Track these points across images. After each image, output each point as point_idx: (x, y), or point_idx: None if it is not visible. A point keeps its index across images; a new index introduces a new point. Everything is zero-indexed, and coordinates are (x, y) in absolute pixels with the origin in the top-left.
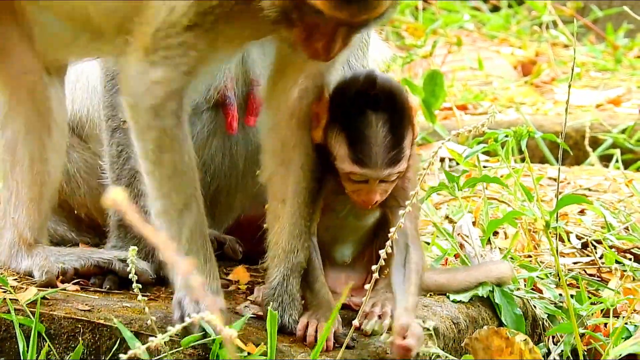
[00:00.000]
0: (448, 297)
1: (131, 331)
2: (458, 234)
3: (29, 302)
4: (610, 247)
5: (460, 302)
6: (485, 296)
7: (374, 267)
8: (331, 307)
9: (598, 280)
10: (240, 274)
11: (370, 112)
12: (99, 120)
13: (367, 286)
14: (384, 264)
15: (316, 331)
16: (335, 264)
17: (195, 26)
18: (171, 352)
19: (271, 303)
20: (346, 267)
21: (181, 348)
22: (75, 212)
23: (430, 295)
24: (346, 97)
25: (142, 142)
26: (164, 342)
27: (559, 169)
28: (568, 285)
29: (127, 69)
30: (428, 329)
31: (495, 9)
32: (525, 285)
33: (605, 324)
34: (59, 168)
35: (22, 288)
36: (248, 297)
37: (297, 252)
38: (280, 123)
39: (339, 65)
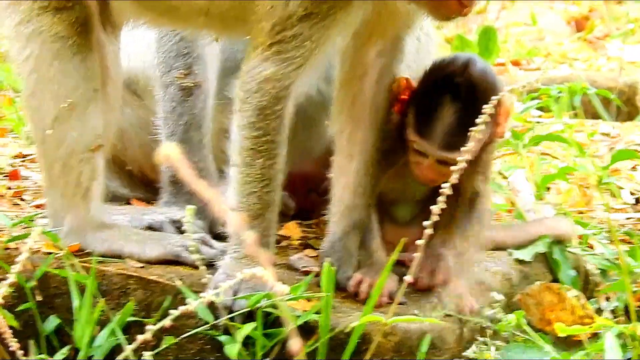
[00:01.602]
0: (508, 253)
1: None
2: (511, 190)
3: (81, 258)
4: None
5: (516, 259)
6: (544, 252)
7: (426, 223)
8: (385, 266)
9: None
10: (292, 229)
11: (448, 97)
12: (153, 76)
13: (419, 241)
14: (438, 219)
15: (369, 288)
16: (396, 221)
17: (311, 15)
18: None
19: (328, 257)
20: (406, 225)
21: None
22: (128, 167)
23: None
24: (434, 76)
25: (241, 138)
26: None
27: (612, 124)
28: (620, 241)
29: (245, 62)
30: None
31: None
32: (578, 241)
33: None
34: (113, 125)
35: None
36: (301, 252)
37: (359, 210)
38: (354, 79)
39: (414, 32)
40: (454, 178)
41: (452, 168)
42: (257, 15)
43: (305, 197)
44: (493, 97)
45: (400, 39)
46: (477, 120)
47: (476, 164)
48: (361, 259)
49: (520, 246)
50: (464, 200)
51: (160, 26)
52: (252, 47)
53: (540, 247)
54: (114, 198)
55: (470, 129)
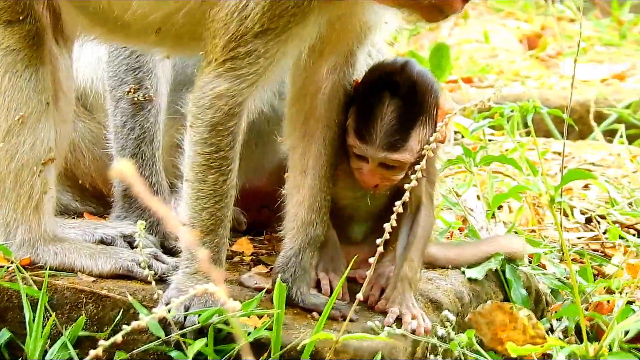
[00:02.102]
0: (460, 271)
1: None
2: (463, 207)
3: (33, 271)
4: (614, 222)
5: (469, 277)
6: (496, 270)
7: (378, 241)
8: (343, 264)
9: (602, 256)
10: (244, 245)
11: (385, 94)
12: (103, 90)
13: (371, 259)
14: (388, 237)
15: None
16: (348, 241)
17: (267, 31)
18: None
19: (282, 273)
20: (358, 244)
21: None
22: (80, 181)
23: (434, 268)
24: (373, 77)
25: (193, 153)
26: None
27: (564, 143)
28: (572, 260)
29: (198, 78)
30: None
31: None
32: (530, 260)
33: (608, 301)
34: (65, 138)
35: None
36: (252, 269)
37: (316, 225)
38: (307, 95)
39: (366, 48)
40: (401, 182)
41: (394, 165)
42: (210, 31)
43: (258, 212)
44: (432, 96)
45: (352, 54)
46: (418, 118)
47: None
48: (321, 255)
49: (472, 265)
50: (409, 212)
51: (111, 42)
52: (206, 63)
53: (492, 264)
54: (65, 211)
55: (411, 128)
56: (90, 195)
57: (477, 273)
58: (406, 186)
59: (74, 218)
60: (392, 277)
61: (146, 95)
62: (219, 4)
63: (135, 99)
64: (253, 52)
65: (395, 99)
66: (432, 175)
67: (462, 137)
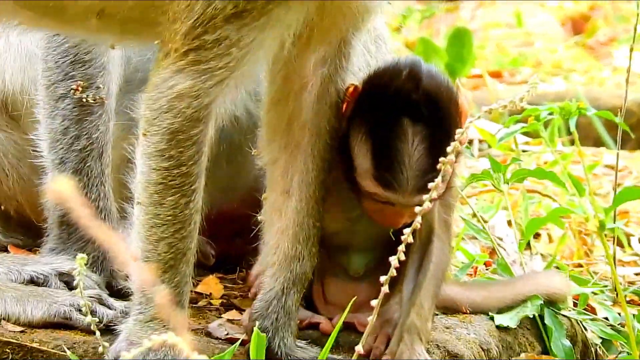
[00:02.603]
0: (488, 317)
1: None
2: (491, 237)
3: None
4: None
5: (498, 325)
6: (533, 316)
7: (382, 278)
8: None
9: None
10: (212, 285)
11: (407, 122)
12: (37, 89)
13: (373, 302)
14: (395, 274)
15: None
16: (345, 276)
17: (242, 13)
18: None
19: (260, 320)
20: (358, 280)
21: None
22: (2, 207)
23: (454, 313)
24: (380, 95)
25: (147, 169)
26: None
27: (618, 154)
28: (628, 302)
29: (153, 74)
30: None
31: None
32: (575, 302)
33: None
34: None
35: None
36: (222, 315)
37: (302, 260)
38: (289, 95)
39: (364, 35)
40: (419, 219)
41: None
42: (169, 14)
43: (229, 243)
44: (456, 106)
45: (346, 43)
46: (448, 142)
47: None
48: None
49: (503, 309)
50: (418, 243)
51: (40, 29)
52: (163, 55)
53: (529, 310)
54: None
55: (441, 154)
56: (16, 225)
57: (510, 320)
58: (417, 209)
59: None
60: (398, 327)
61: (96, 97)
62: None
63: (84, 100)
64: (223, 40)
65: (420, 127)
66: (449, 197)
67: (489, 146)
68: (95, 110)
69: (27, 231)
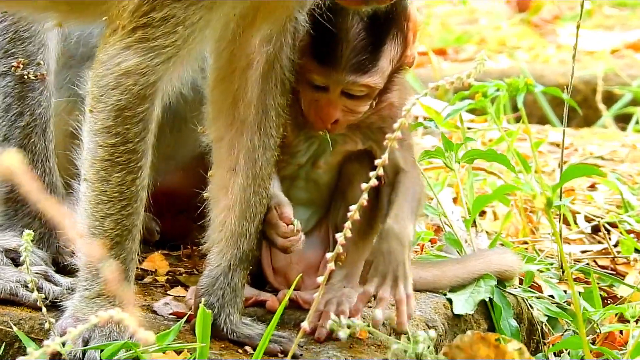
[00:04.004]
0: (435, 294)
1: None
2: (439, 212)
3: None
4: (628, 232)
5: (456, 314)
6: (489, 298)
7: (328, 255)
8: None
9: (612, 274)
10: (157, 261)
11: (351, 10)
12: None
13: (319, 279)
14: (341, 250)
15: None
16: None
17: None
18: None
19: (206, 297)
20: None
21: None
22: None
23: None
24: None
25: (94, 146)
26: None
27: (564, 131)
28: (575, 280)
29: (99, 50)
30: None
31: None
32: (520, 280)
33: (621, 331)
34: None
35: None
36: (168, 292)
37: (249, 237)
38: (234, 72)
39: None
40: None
41: (360, 94)
42: None
43: (175, 219)
44: (400, 4)
45: (291, 20)
46: (389, 31)
47: (388, 125)
48: None
49: (455, 288)
50: (385, 185)
51: None
52: (110, 31)
53: (482, 292)
54: None
55: (381, 43)
56: None
57: (466, 304)
58: (377, 162)
59: None
60: (372, 251)
61: (37, 74)
62: None
63: (25, 76)
64: (170, 18)
65: (362, 14)
66: (407, 138)
67: (435, 125)
68: (37, 86)
69: None
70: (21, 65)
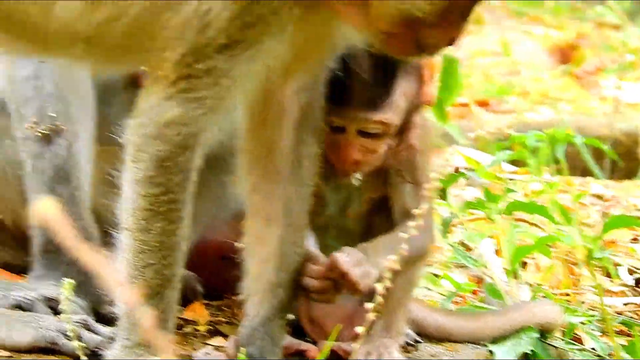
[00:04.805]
0: (475, 345)
1: None
2: (479, 264)
3: None
4: None
5: (486, 351)
6: (531, 351)
7: (368, 306)
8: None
9: None
10: (198, 310)
11: (364, 53)
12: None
13: (359, 329)
14: (381, 302)
15: None
16: None
17: (234, 44)
18: None
19: (246, 347)
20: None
21: None
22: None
23: (443, 342)
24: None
25: (135, 195)
26: None
27: (606, 183)
28: (617, 332)
29: (142, 99)
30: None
31: None
32: (562, 332)
33: None
34: None
35: None
36: (208, 342)
37: (286, 286)
38: (267, 122)
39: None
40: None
41: (375, 131)
42: (160, 42)
43: (216, 269)
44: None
45: (323, 69)
46: (400, 65)
47: (406, 169)
48: None
49: (496, 339)
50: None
51: (25, 55)
52: (152, 81)
53: (523, 344)
54: None
55: (393, 77)
56: (10, 237)
57: (508, 357)
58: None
59: None
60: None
61: (52, 126)
62: (174, 7)
63: (39, 133)
64: (213, 70)
65: (373, 55)
66: (418, 175)
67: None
68: (54, 139)
69: (20, 246)
70: (32, 125)
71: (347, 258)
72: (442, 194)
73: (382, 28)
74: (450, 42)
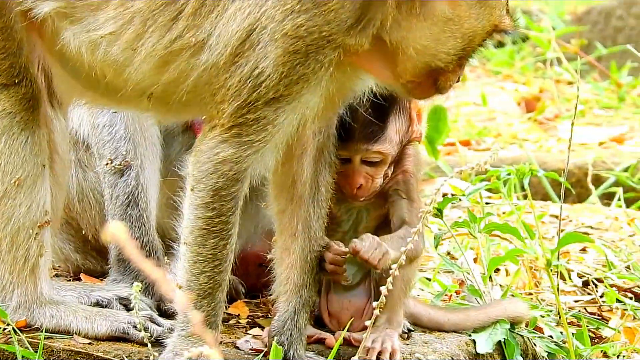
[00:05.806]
0: (459, 334)
1: None
2: (462, 269)
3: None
4: (611, 285)
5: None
6: (503, 339)
7: (375, 304)
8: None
9: (599, 319)
10: (240, 307)
11: (364, 97)
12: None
13: (367, 322)
14: (384, 300)
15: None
16: (342, 290)
17: (280, 98)
18: None
19: (278, 336)
20: (352, 292)
21: None
22: (83, 231)
23: (432, 331)
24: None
25: (193, 217)
26: None
27: (561, 206)
28: (569, 323)
29: (200, 141)
30: None
31: (499, 44)
32: (526, 323)
33: None
34: (61, 201)
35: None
36: (248, 332)
37: (309, 287)
38: (292, 159)
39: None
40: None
41: (375, 160)
42: (218, 97)
43: (254, 274)
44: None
45: (337, 115)
46: (391, 109)
47: (401, 188)
48: None
49: (476, 329)
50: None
51: (101, 106)
52: (209, 127)
53: (499, 334)
54: (65, 263)
55: (386, 118)
56: (92, 249)
57: (486, 344)
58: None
59: (70, 280)
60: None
61: (123, 162)
62: (231, 70)
63: (114, 168)
64: (262, 119)
65: (371, 100)
66: (418, 203)
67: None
68: (125, 172)
69: (100, 256)
70: (109, 162)
71: (365, 243)
72: (439, 213)
73: (408, 78)
74: (458, 80)
